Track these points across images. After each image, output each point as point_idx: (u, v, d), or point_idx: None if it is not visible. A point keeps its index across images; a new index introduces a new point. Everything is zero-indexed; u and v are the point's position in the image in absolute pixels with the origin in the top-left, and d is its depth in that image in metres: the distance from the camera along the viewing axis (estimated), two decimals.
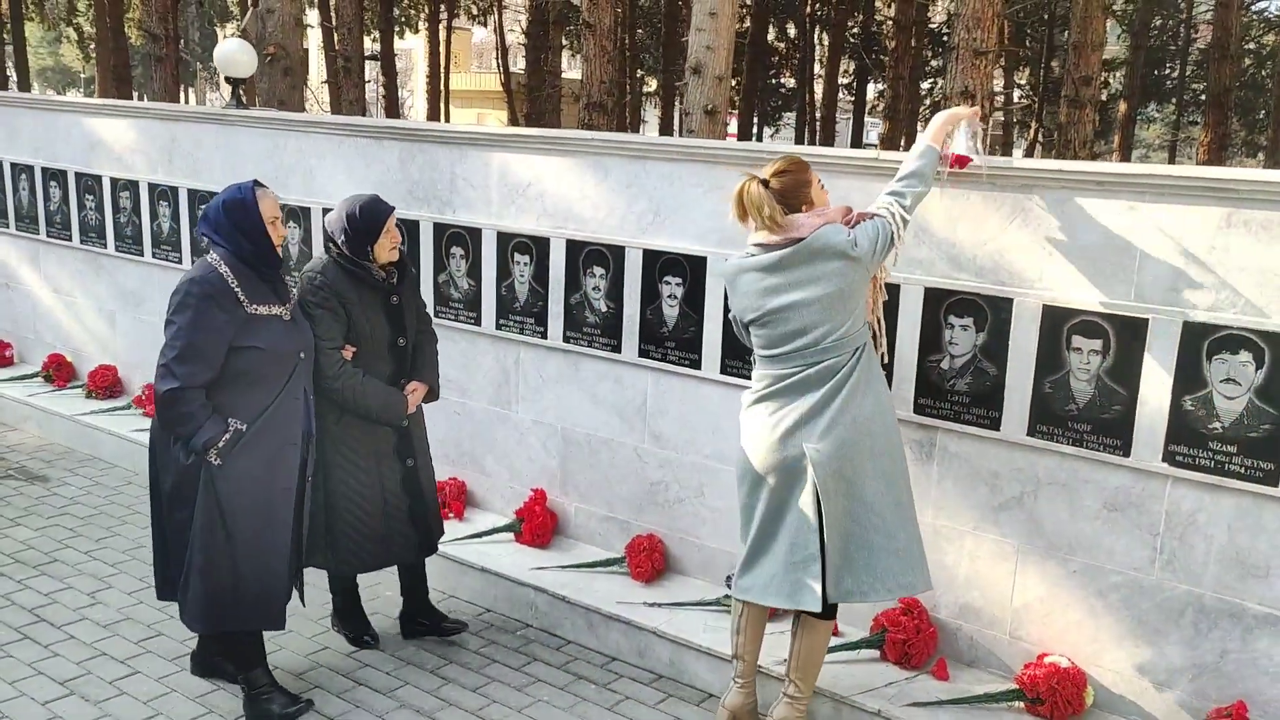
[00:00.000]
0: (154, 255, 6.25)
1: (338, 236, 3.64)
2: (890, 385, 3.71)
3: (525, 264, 4.63)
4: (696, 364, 4.19)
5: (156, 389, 3.19)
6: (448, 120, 27.78)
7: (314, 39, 27.45)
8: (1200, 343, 3.11)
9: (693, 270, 4.14)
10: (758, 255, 3.21)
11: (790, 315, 3.15)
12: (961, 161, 3.36)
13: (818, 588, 3.14)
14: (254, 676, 3.46)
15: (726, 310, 3.82)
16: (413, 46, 33.51)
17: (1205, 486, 3.17)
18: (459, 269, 4.86)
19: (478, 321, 4.82)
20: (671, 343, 4.25)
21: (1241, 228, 3.03)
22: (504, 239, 4.66)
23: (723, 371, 4.12)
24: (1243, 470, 3.09)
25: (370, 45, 21.42)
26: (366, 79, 17.38)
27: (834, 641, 3.74)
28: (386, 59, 19.83)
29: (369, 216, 3.64)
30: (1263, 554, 3.10)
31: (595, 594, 4.14)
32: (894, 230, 3.13)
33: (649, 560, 4.26)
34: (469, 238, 4.79)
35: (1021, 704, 3.38)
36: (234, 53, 5.99)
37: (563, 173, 4.45)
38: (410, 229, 4.99)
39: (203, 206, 3.38)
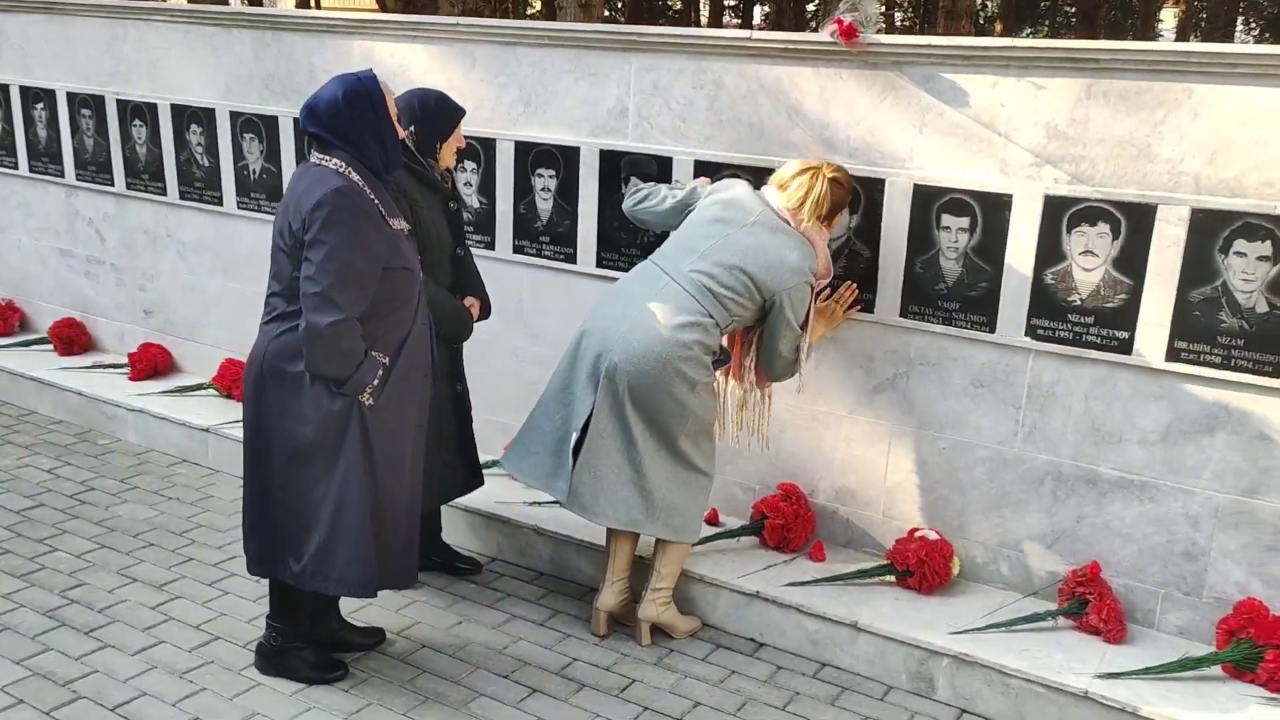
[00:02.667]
0: None
1: (405, 128, 3.19)
2: None
3: None
4: (572, 258, 4.10)
5: (314, 321, 2.67)
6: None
7: None
8: (1060, 215, 3.17)
9: (566, 162, 4.01)
10: (767, 211, 3.24)
11: (716, 238, 3.20)
12: (850, 33, 3.30)
13: (565, 485, 3.25)
14: (292, 631, 3.12)
15: (627, 180, 3.77)
16: None
17: (1064, 358, 3.25)
18: None
19: None
20: (546, 237, 4.14)
21: (1101, 98, 3.07)
22: None
23: (598, 265, 4.04)
24: (1099, 340, 3.18)
25: None
26: None
27: (713, 531, 3.78)
28: None
29: (446, 110, 3.34)
30: (1116, 421, 3.21)
31: (474, 496, 4.06)
32: (790, 359, 3.31)
33: None
34: None
35: (892, 577, 3.47)
36: None
37: (429, 61, 4.24)
38: (269, 126, 4.72)
39: (309, 101, 2.83)
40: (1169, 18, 30.38)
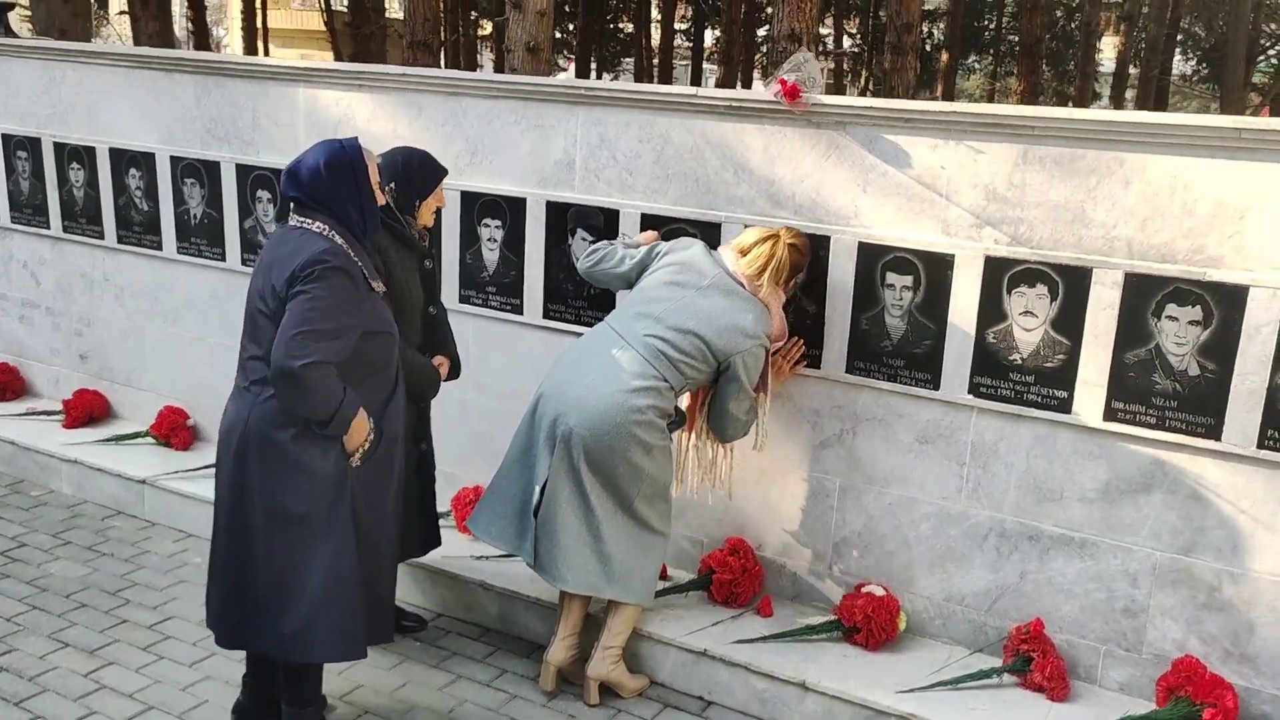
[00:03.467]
0: None
1: (385, 184, 3.19)
2: None
3: None
4: (519, 309, 4.07)
5: (286, 364, 2.60)
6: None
7: None
8: (1001, 276, 3.22)
9: (512, 212, 4.00)
10: (722, 275, 3.26)
11: (671, 301, 3.21)
12: (793, 93, 3.33)
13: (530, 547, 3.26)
14: (309, 714, 3.04)
15: (568, 237, 3.84)
16: None
17: (1006, 416, 3.29)
18: (266, 214, 4.55)
19: None
20: (493, 288, 4.12)
21: (1036, 164, 3.12)
22: None
23: (545, 316, 4.02)
24: (1039, 399, 3.22)
25: None
26: (173, 20, 16.14)
27: (662, 585, 3.75)
28: None
29: (428, 170, 3.33)
30: (1057, 478, 3.25)
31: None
32: (745, 420, 3.36)
33: None
34: (275, 180, 4.49)
35: (839, 633, 3.47)
36: None
37: (375, 110, 4.21)
38: (210, 171, 4.64)
39: (292, 165, 2.82)
40: (1109, 48, 31.26)
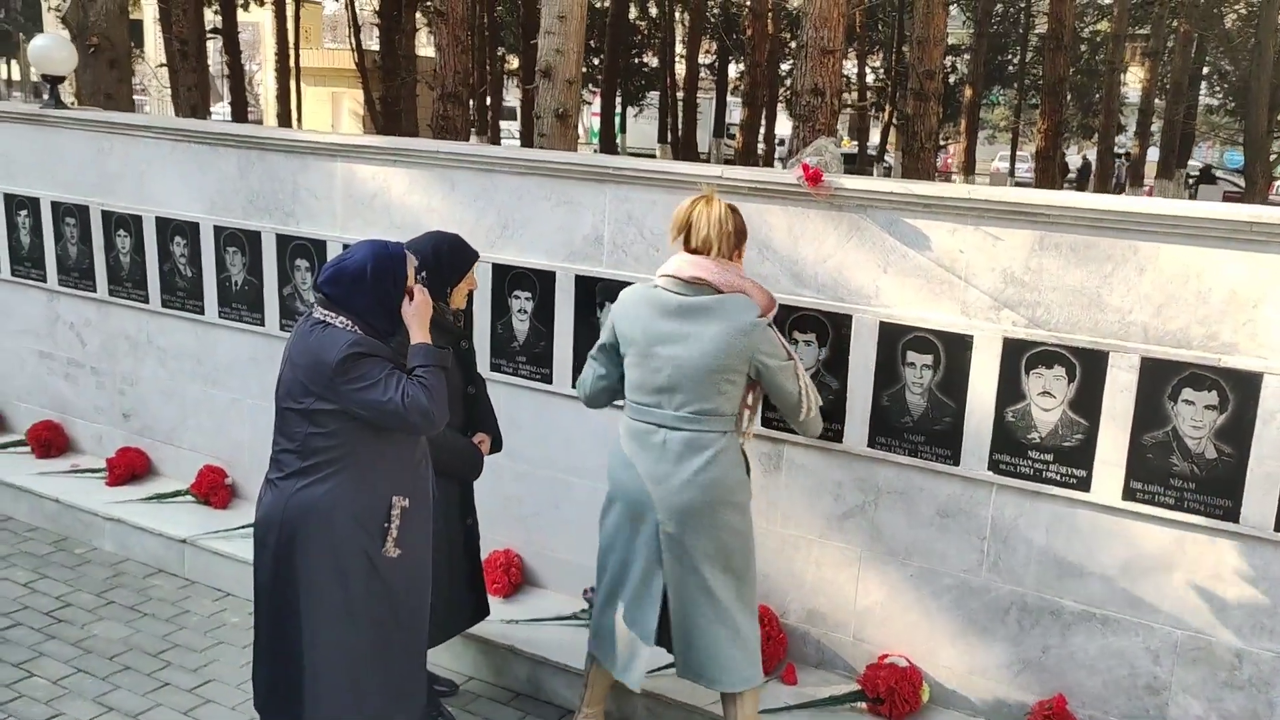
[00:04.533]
0: None
1: (416, 273, 3.21)
2: None
3: None
4: (548, 378, 4.18)
5: (414, 414, 2.77)
6: (299, 99, 26.78)
7: (150, 13, 25.96)
8: (1019, 357, 3.29)
9: (542, 285, 4.12)
10: (665, 292, 3.12)
11: (665, 368, 3.09)
12: (815, 178, 3.44)
13: (642, 667, 3.23)
14: None
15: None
16: (260, 19, 32.08)
17: (1025, 493, 3.36)
18: (304, 282, 4.70)
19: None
20: (523, 357, 4.23)
21: (1053, 250, 3.21)
22: None
23: (574, 386, 4.12)
24: (1058, 477, 3.29)
25: (212, 18, 20.39)
26: (209, 58, 16.54)
27: None
28: (230, 35, 18.91)
29: (459, 256, 3.40)
30: (1078, 555, 3.31)
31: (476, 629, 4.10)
32: (801, 387, 3.13)
33: (505, 575, 4.25)
34: (314, 250, 4.64)
35: (864, 704, 3.53)
36: (49, 49, 5.59)
37: (410, 184, 4.36)
38: (251, 240, 4.81)
39: (330, 261, 2.93)
40: (1134, 80, 31.25)
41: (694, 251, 3.13)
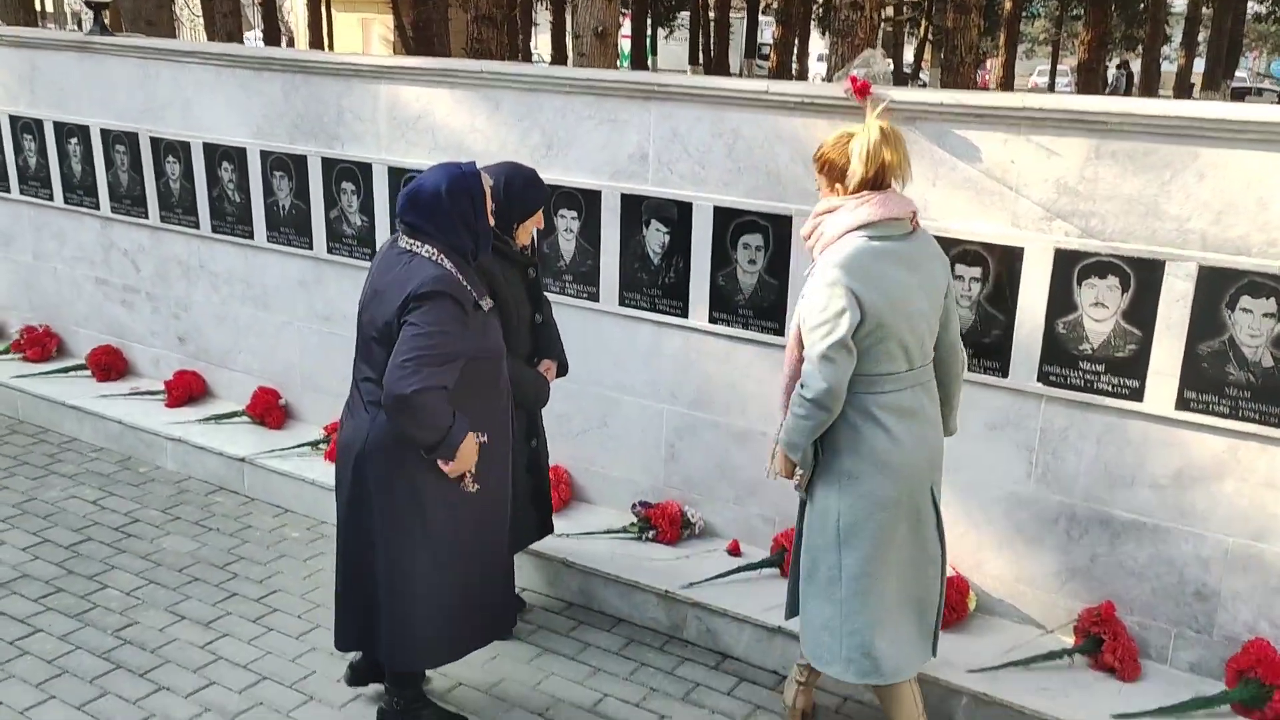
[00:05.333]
0: (22, 192, 5.93)
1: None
2: (784, 314, 3.82)
3: None
4: (595, 296, 4.21)
5: (397, 389, 2.71)
6: (329, 25, 26.55)
7: None
8: (1071, 268, 3.26)
9: (588, 204, 4.12)
10: (889, 241, 2.76)
11: (915, 326, 2.80)
12: (863, 90, 3.39)
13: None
14: (410, 693, 3.21)
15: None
16: None
17: (1075, 404, 3.36)
18: (351, 205, 4.74)
19: (373, 257, 4.72)
20: (569, 276, 4.26)
21: (1109, 158, 3.15)
22: (395, 174, 4.56)
23: (620, 304, 4.16)
24: (1110, 388, 3.28)
25: None
26: None
27: (737, 562, 3.91)
28: None
29: (532, 192, 3.33)
30: (1128, 465, 3.32)
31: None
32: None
33: (555, 492, 4.32)
34: (359, 173, 4.67)
35: None
36: None
37: (453, 105, 4.35)
38: (297, 165, 4.84)
39: (405, 188, 2.88)
40: None
41: (886, 186, 2.79)
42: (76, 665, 3.55)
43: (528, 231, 3.40)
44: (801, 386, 2.77)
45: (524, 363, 3.45)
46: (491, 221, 3.21)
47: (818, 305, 2.72)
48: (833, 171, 2.83)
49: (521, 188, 3.32)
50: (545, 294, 3.63)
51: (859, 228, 2.74)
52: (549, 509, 3.78)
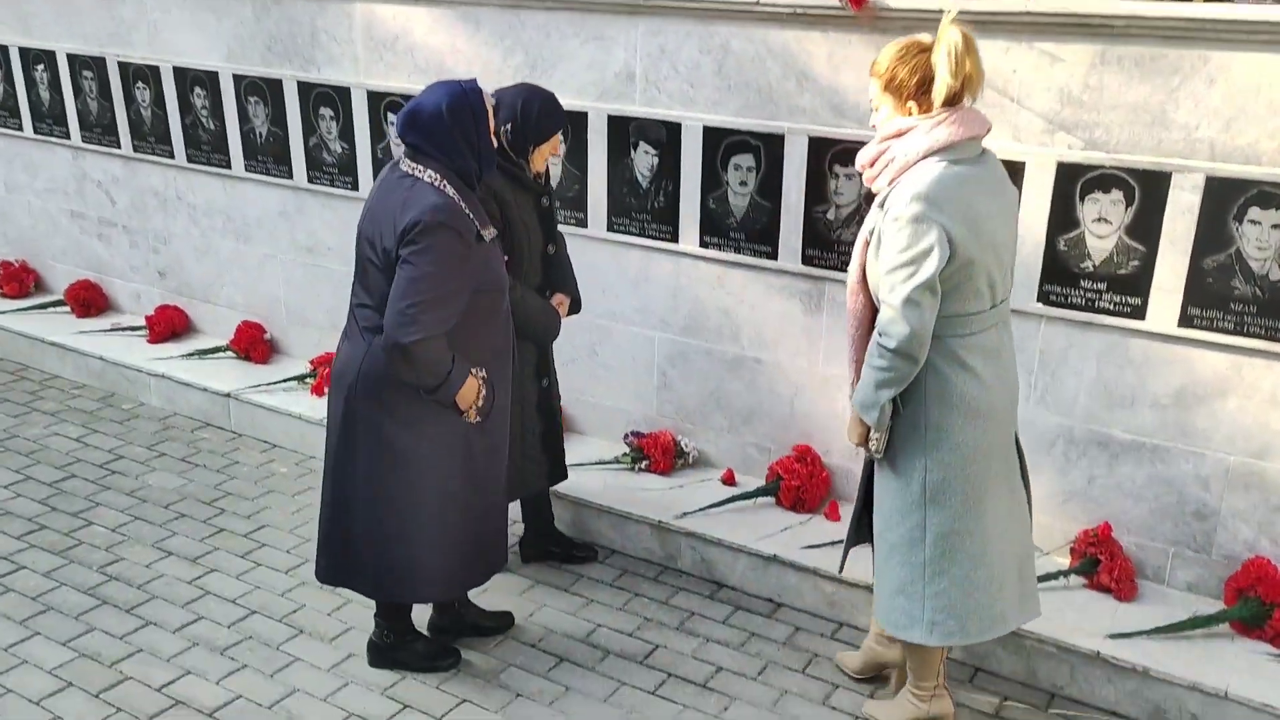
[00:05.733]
0: None
1: (501, 125, 3.08)
2: (777, 237, 3.71)
3: None
4: (583, 223, 4.09)
5: (396, 338, 2.63)
6: None
7: None
8: (1073, 183, 3.15)
9: (574, 126, 3.98)
10: (967, 165, 2.44)
11: (1000, 258, 2.53)
12: (858, 1, 3.24)
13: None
14: (401, 625, 3.18)
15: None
16: None
17: (1076, 324, 3.27)
18: (330, 131, 4.59)
19: (355, 186, 4.60)
20: (557, 202, 4.13)
21: (1115, 65, 3.02)
22: (375, 98, 4.40)
23: (609, 230, 4.04)
24: (1111, 307, 3.19)
25: None
26: None
27: (732, 492, 3.86)
28: None
29: (550, 116, 3.15)
30: (1128, 385, 3.25)
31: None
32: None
33: None
34: (337, 97, 4.51)
35: None
36: None
37: (432, 25, 4.18)
38: (273, 90, 4.68)
39: (405, 107, 2.73)
40: None
41: (959, 102, 2.45)
42: (61, 601, 3.51)
43: (543, 157, 3.22)
44: (881, 336, 2.47)
45: (534, 293, 3.30)
46: (505, 144, 3.08)
47: (898, 244, 2.39)
48: (901, 89, 2.46)
49: (539, 111, 3.13)
50: (559, 231, 3.44)
51: (938, 151, 2.42)
52: (562, 453, 3.59)
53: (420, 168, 2.71)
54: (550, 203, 3.34)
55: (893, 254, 2.42)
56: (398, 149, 2.77)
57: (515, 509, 3.74)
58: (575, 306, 3.49)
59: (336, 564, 3.03)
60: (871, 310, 2.58)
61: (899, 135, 2.48)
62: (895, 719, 2.90)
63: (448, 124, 2.68)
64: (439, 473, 2.88)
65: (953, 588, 2.62)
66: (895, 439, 2.61)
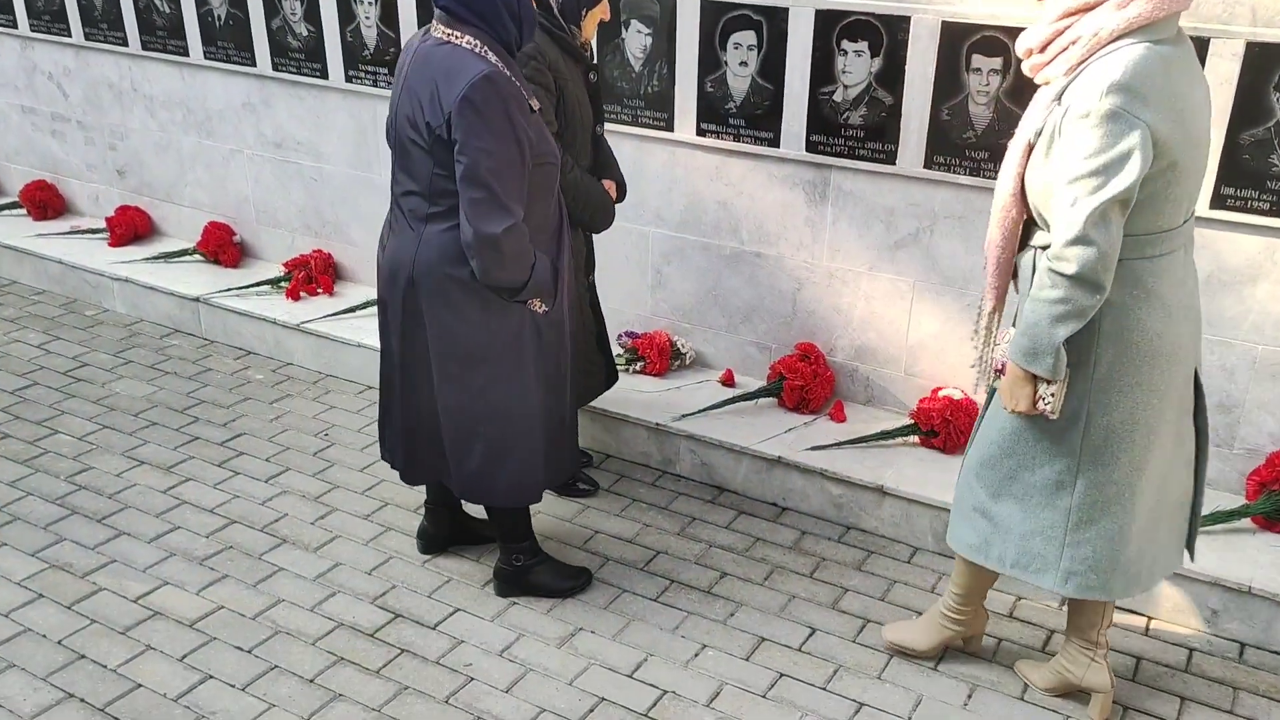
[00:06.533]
0: None
1: None
2: (780, 123, 3.48)
3: (370, 3, 4.08)
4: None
5: (488, 230, 2.40)
6: None
7: None
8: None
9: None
10: (1169, 47, 2.02)
11: (1201, 157, 2.14)
12: None
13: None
14: (529, 546, 2.96)
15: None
16: None
17: None
18: (294, 12, 4.27)
19: (324, 74, 4.30)
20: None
21: None
22: None
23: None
24: None
25: None
26: None
27: (732, 393, 3.70)
28: None
29: None
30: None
31: None
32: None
33: None
34: None
35: (916, 437, 3.41)
36: None
37: None
38: None
39: None
40: None
41: None
42: (28, 512, 3.32)
43: (594, 22, 2.92)
44: (1055, 260, 2.03)
45: (591, 177, 3.01)
46: (554, 7, 2.81)
47: (1086, 146, 1.97)
48: None
49: None
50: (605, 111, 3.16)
51: (1136, 30, 1.98)
52: (612, 355, 3.37)
53: (456, 34, 2.44)
54: (597, 79, 3.05)
55: (1078, 159, 1.98)
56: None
57: None
58: (622, 192, 3.19)
59: (423, 465, 2.83)
60: (1022, 231, 2.20)
61: (1083, 10, 2.02)
62: (1045, 682, 2.63)
63: None
64: (513, 369, 2.65)
65: (1099, 539, 2.29)
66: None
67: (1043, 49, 2.09)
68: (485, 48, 2.43)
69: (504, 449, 2.72)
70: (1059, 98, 2.05)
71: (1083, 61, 2.01)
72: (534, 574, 2.96)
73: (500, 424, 2.70)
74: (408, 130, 2.49)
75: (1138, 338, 2.12)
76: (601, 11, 2.93)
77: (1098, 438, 2.22)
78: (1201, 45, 2.80)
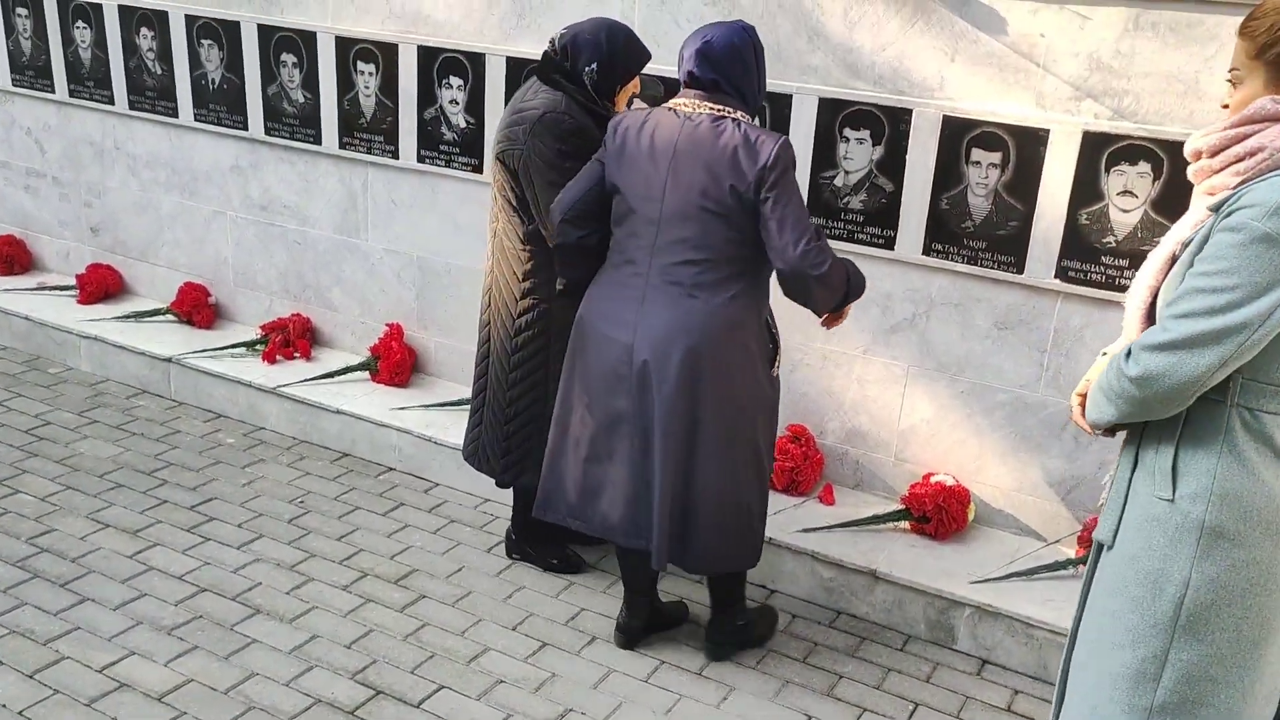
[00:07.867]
0: None
1: (585, 65, 2.87)
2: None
3: (370, 74, 4.10)
4: None
5: (815, 272, 2.57)
6: None
7: None
8: (1099, 153, 3.03)
9: None
10: None
11: None
12: None
13: None
14: (744, 606, 3.06)
15: None
16: None
17: (1095, 302, 3.15)
18: (292, 79, 4.27)
19: (317, 140, 4.29)
20: None
21: (1149, 30, 2.91)
22: (344, 45, 4.10)
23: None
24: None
25: None
26: None
27: None
28: None
29: (635, 49, 2.94)
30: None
31: (461, 433, 3.88)
32: None
33: None
34: (301, 43, 4.20)
35: (907, 523, 3.39)
36: None
37: None
38: (229, 32, 4.34)
39: (697, 46, 2.62)
40: None
41: None
42: None
43: (625, 99, 2.98)
44: (1128, 357, 1.79)
45: None
46: (590, 85, 2.90)
47: (1222, 260, 1.70)
48: None
49: (625, 43, 2.91)
50: None
51: None
52: None
53: (725, 109, 2.62)
54: None
55: (1209, 272, 1.72)
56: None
57: (507, 496, 3.50)
58: None
59: (686, 545, 2.79)
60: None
61: (1271, 121, 1.78)
62: None
63: (751, 62, 2.66)
64: (764, 443, 2.82)
65: None
66: (1149, 520, 1.86)
67: (1214, 154, 1.84)
68: (746, 118, 2.65)
69: (755, 521, 2.85)
70: (1217, 207, 1.78)
71: (1256, 174, 1.77)
72: (754, 627, 3.06)
73: (754, 497, 2.82)
74: (700, 199, 2.59)
75: (1262, 501, 1.77)
76: (634, 87, 3.01)
77: (1193, 615, 1.83)
78: None
